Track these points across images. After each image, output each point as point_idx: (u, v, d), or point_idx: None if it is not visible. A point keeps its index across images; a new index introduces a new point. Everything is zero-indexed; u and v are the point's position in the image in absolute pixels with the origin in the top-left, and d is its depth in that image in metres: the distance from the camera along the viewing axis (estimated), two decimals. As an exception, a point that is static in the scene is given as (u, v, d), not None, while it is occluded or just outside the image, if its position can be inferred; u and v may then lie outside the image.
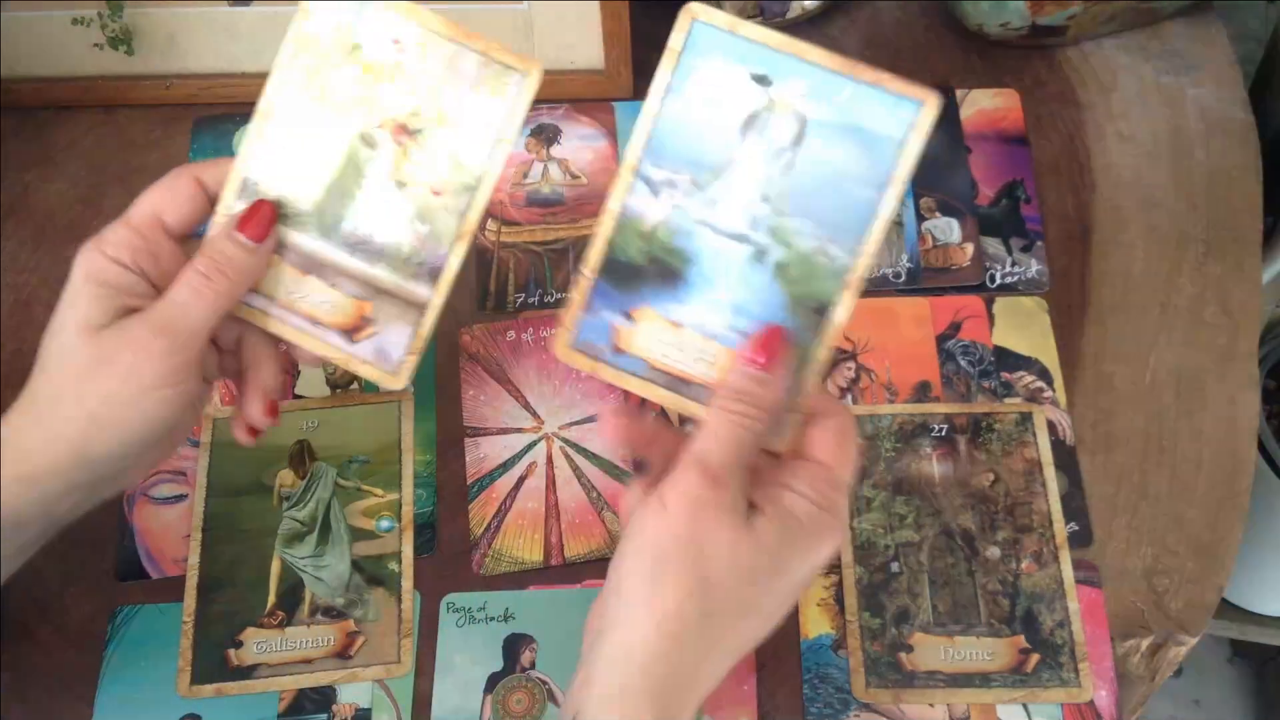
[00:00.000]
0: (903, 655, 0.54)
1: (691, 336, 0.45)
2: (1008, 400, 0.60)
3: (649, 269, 0.45)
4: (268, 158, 0.48)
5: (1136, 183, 0.66)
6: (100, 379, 0.45)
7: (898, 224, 0.65)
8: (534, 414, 0.60)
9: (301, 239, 0.48)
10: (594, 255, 0.45)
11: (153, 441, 0.47)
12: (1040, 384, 0.60)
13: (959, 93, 0.69)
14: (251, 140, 0.48)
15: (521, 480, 0.58)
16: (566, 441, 0.59)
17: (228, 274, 0.46)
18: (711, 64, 0.44)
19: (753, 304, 0.44)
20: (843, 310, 0.44)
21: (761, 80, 0.43)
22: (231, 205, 0.48)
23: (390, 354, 0.48)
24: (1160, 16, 0.70)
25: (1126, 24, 0.70)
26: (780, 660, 0.54)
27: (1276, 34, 0.82)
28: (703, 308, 0.45)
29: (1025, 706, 0.53)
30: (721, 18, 0.43)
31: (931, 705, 0.53)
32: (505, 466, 0.59)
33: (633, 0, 0.63)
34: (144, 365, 0.45)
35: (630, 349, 0.45)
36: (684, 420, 0.47)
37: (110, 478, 0.47)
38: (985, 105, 0.69)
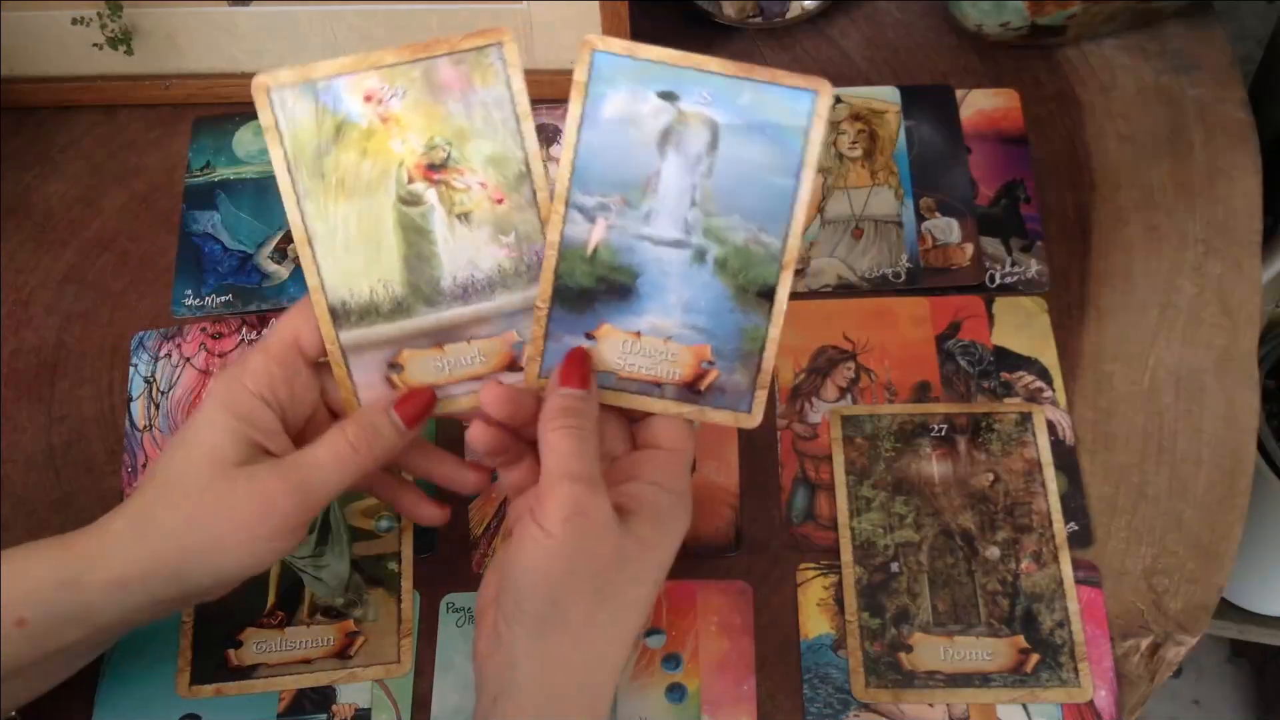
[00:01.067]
0: (902, 655, 0.54)
1: (651, 342, 0.48)
2: (1007, 400, 0.60)
3: (599, 289, 0.48)
4: (335, 275, 0.47)
5: (1136, 183, 0.66)
6: (218, 519, 0.45)
7: (898, 224, 0.65)
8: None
9: (415, 322, 0.48)
10: (544, 288, 0.48)
11: (247, 576, 0.48)
12: (1040, 384, 0.60)
13: (959, 93, 0.69)
14: (310, 272, 0.47)
15: (521, 480, 0.58)
16: (566, 441, 0.59)
17: (374, 450, 0.47)
18: (618, 89, 0.46)
19: (700, 300, 0.48)
20: (784, 289, 0.47)
21: (668, 96, 0.46)
22: (334, 338, 0.47)
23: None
24: (1160, 16, 0.70)
25: (1126, 24, 0.70)
26: (780, 660, 0.54)
27: (1276, 34, 0.82)
28: (656, 314, 0.48)
29: (1025, 706, 0.53)
30: (618, 44, 0.46)
31: (931, 705, 0.53)
32: (505, 466, 0.59)
33: (633, 0, 0.63)
34: (267, 519, 0.45)
35: (597, 365, 0.48)
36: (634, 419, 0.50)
37: (197, 598, 0.48)
38: (985, 105, 0.69)
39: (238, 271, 0.64)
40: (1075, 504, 0.57)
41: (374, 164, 0.47)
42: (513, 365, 0.49)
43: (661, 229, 0.47)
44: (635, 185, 0.47)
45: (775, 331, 0.48)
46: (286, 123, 0.46)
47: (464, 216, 0.47)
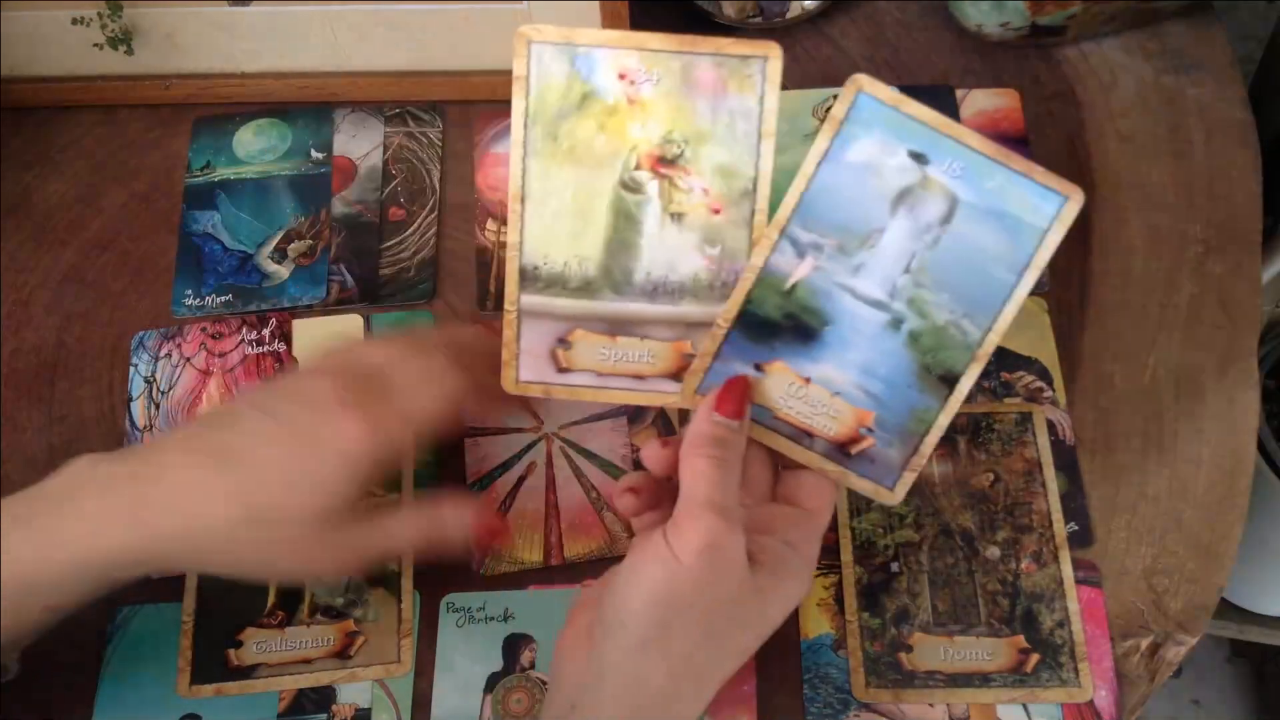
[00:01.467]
0: (902, 655, 0.54)
1: (819, 392, 0.47)
2: (1007, 400, 0.60)
3: (784, 325, 0.47)
4: (535, 238, 0.47)
5: (1136, 183, 0.66)
6: (292, 561, 0.46)
7: (898, 224, 0.64)
8: (534, 414, 0.60)
9: (597, 305, 0.47)
10: (731, 307, 0.47)
11: (244, 576, 0.49)
12: (1040, 384, 0.60)
13: (959, 93, 0.69)
14: (514, 228, 0.47)
15: (521, 480, 0.58)
16: (566, 442, 0.59)
17: (434, 547, 0.49)
18: (872, 136, 0.45)
19: (881, 367, 0.47)
20: (968, 382, 0.46)
21: (919, 158, 0.46)
22: (515, 299, 0.47)
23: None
24: (1160, 16, 0.70)
25: (1126, 24, 0.70)
26: (780, 660, 0.54)
27: (1276, 34, 0.83)
28: (832, 366, 0.47)
29: (1025, 706, 0.53)
30: (886, 93, 0.45)
31: (931, 705, 0.53)
32: (505, 466, 0.59)
33: (633, 0, 0.63)
34: (310, 554, 0.46)
35: (758, 398, 0.47)
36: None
37: (186, 570, 0.51)
38: (985, 105, 0.69)
39: (238, 271, 0.64)
40: (1075, 504, 0.57)
41: (608, 141, 0.46)
42: (677, 374, 0.48)
43: (867, 286, 0.46)
44: (856, 234, 0.46)
45: (945, 420, 0.47)
46: (537, 77, 0.46)
47: (677, 217, 0.47)
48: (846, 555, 0.56)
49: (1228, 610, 0.99)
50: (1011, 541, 0.56)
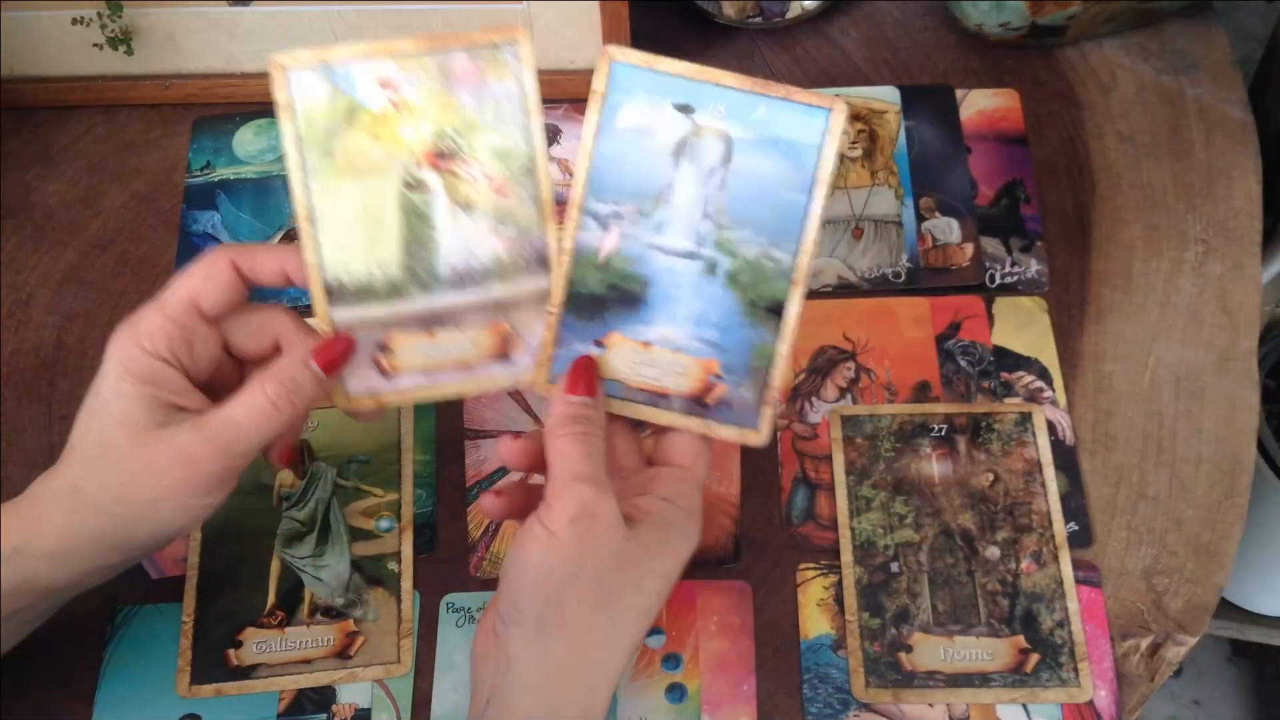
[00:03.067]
0: (902, 655, 0.54)
1: (661, 353, 0.48)
2: (1007, 400, 0.60)
3: (610, 297, 0.48)
4: (334, 254, 0.47)
5: (1136, 183, 0.66)
6: (146, 486, 0.45)
7: (897, 224, 0.65)
8: (534, 417, 0.60)
9: (408, 305, 0.48)
10: (556, 293, 0.48)
11: (189, 531, 0.48)
12: (1040, 384, 0.60)
13: (959, 93, 0.69)
14: (309, 249, 0.47)
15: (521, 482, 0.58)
16: (566, 441, 0.59)
17: (295, 403, 0.46)
18: (635, 100, 0.47)
19: (710, 313, 0.48)
20: (794, 307, 0.47)
21: (684, 109, 0.47)
22: (326, 316, 0.48)
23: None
24: (1160, 16, 0.70)
25: (1126, 24, 0.70)
26: (780, 660, 0.54)
27: (1276, 34, 0.83)
28: (666, 325, 0.48)
29: (1025, 706, 0.53)
30: (637, 56, 0.47)
31: (931, 705, 0.53)
32: (505, 469, 0.59)
33: (633, 0, 0.63)
34: (194, 481, 0.45)
35: (606, 373, 0.48)
36: (641, 428, 0.50)
37: (140, 557, 0.49)
38: (985, 105, 0.69)
39: (237, 271, 0.64)
40: (1075, 504, 0.57)
41: (383, 148, 0.47)
42: (501, 355, 0.49)
43: (673, 239, 0.47)
44: (649, 195, 0.47)
45: (785, 349, 0.48)
46: (301, 102, 0.46)
47: (465, 205, 0.48)
48: (846, 555, 0.56)
49: (1228, 610, 0.99)
50: (1011, 541, 0.56)
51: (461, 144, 0.47)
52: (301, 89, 0.47)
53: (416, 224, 0.48)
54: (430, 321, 0.48)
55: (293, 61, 0.46)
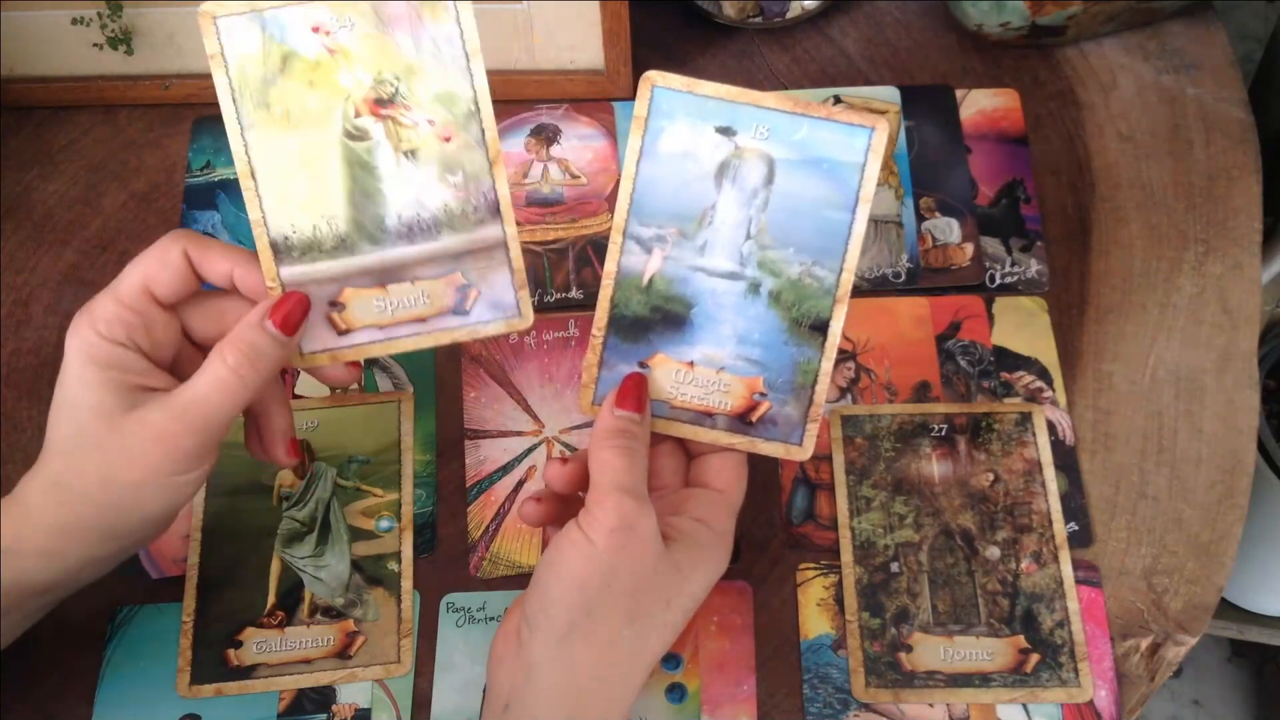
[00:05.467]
0: (902, 655, 0.54)
1: (704, 372, 0.49)
2: (1007, 400, 0.60)
3: (654, 319, 0.48)
4: (277, 210, 0.46)
5: (1136, 183, 0.66)
6: (127, 469, 0.45)
7: (897, 224, 0.65)
8: (534, 417, 0.60)
9: (359, 260, 0.47)
10: (600, 316, 0.49)
11: (177, 511, 0.48)
12: (1040, 384, 0.60)
13: (959, 93, 0.69)
14: (252, 205, 0.46)
15: (520, 484, 0.58)
16: (567, 446, 0.59)
17: (258, 368, 0.46)
18: (676, 124, 0.47)
19: (754, 332, 0.48)
20: (837, 324, 0.48)
21: (725, 131, 0.47)
22: (275, 275, 0.47)
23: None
24: (1160, 16, 0.70)
25: (1126, 24, 0.70)
26: (780, 660, 0.54)
27: (1276, 34, 0.83)
28: (710, 345, 0.48)
29: (1025, 706, 0.53)
30: (678, 80, 0.47)
31: (931, 705, 0.53)
32: (505, 469, 0.59)
33: (633, 0, 0.63)
34: (172, 460, 0.45)
35: (650, 393, 0.49)
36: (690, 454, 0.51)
37: (133, 546, 0.49)
38: (985, 105, 0.69)
39: (237, 271, 0.64)
40: (1075, 504, 0.57)
41: (320, 97, 0.46)
42: (456, 308, 0.48)
43: (716, 261, 0.48)
44: (691, 217, 0.48)
45: (828, 365, 0.48)
46: (232, 52, 0.45)
47: (411, 153, 0.47)
48: (846, 555, 0.56)
49: (1228, 610, 0.99)
50: (1011, 541, 0.56)
51: (401, 89, 0.46)
52: (232, 38, 0.45)
53: (361, 175, 0.47)
54: (382, 275, 0.47)
55: (222, 10, 0.45)
